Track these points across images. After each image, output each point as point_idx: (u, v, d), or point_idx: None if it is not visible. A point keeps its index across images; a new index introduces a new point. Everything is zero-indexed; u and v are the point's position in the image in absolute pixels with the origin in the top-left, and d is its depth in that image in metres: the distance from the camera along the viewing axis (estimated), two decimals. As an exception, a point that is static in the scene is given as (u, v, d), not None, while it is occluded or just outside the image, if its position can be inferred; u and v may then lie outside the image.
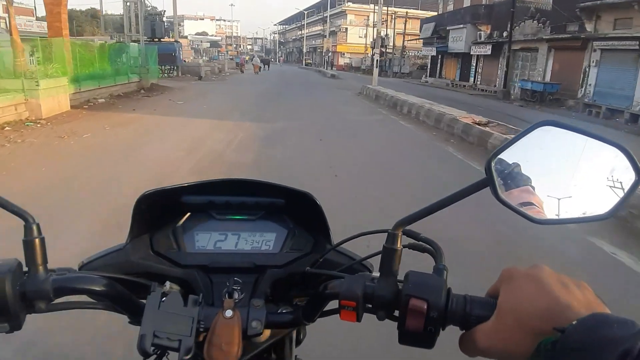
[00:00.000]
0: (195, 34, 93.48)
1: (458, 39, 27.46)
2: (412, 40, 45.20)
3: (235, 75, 30.11)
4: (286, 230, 0.63)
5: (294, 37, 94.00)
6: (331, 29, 69.08)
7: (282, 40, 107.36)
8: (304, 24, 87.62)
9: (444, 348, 0.51)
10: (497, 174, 0.46)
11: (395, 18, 45.41)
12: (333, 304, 0.50)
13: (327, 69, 62.51)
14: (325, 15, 64.79)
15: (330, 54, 70.48)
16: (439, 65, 32.57)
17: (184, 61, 27.67)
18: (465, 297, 0.46)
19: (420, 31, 37.08)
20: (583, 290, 0.39)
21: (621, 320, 0.34)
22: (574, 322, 0.35)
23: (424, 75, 34.59)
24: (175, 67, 22.78)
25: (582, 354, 0.33)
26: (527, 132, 0.45)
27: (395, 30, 46.28)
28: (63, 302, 0.49)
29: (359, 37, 77.11)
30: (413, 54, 48.17)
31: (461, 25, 26.96)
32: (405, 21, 43.86)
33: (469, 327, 0.44)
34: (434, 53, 32.59)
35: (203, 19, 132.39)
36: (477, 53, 25.80)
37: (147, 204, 0.58)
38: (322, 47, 66.05)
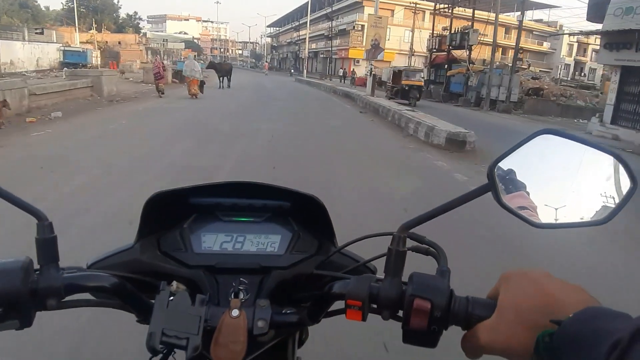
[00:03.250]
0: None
1: None
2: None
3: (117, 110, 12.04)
4: (291, 232, 0.66)
5: (289, 40, 74.69)
6: (340, 27, 47.95)
7: (274, 44, 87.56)
8: (302, 23, 65.46)
9: (447, 348, 0.54)
10: (498, 179, 0.49)
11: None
12: (338, 305, 0.54)
13: (343, 83, 40.71)
14: (332, 9, 44.90)
15: (334, 61, 48.84)
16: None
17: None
18: (468, 298, 0.49)
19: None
20: (578, 290, 0.42)
21: (615, 313, 0.37)
22: (570, 315, 0.38)
23: (596, 117, 14.91)
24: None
25: (578, 345, 0.36)
26: (527, 141, 0.48)
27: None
28: (73, 299, 0.52)
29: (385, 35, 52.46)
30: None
31: None
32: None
33: (470, 327, 0.47)
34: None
35: (188, 20, 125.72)
36: None
37: (155, 204, 0.61)
38: (329, 50, 46.08)
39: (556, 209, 0.49)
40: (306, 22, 66.31)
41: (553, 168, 0.49)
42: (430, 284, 0.48)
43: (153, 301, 0.52)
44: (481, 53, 27.86)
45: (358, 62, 48.79)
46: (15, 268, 0.48)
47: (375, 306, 0.50)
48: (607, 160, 0.48)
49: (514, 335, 0.42)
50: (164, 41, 58.43)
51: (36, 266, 0.50)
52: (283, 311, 0.57)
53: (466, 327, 0.48)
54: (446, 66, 27.45)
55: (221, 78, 20.97)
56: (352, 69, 45.62)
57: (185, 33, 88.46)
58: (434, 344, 0.48)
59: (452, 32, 27.27)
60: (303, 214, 0.66)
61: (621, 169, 0.47)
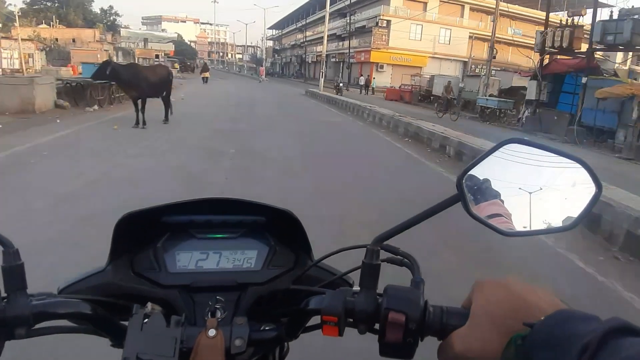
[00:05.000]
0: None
1: None
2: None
3: None
4: (267, 247, 0.67)
5: (293, 43, 63.94)
6: (358, 25, 36.19)
7: (277, 47, 76.93)
8: (308, 23, 53.30)
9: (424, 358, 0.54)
10: (467, 190, 0.51)
11: None
12: (316, 320, 0.55)
13: (366, 94, 28.98)
14: (350, 1, 33.62)
15: (350, 65, 36.63)
16: None
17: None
18: (442, 308, 0.50)
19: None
20: (548, 294, 0.44)
21: (585, 315, 0.38)
22: (541, 318, 0.39)
23: None
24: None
25: (550, 347, 0.37)
26: (494, 150, 0.50)
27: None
28: (43, 327, 0.53)
29: (413, 35, 40.77)
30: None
31: None
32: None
33: (446, 336, 0.48)
34: None
35: (185, 22, 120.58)
36: None
37: (127, 225, 0.62)
38: (343, 53, 34.97)
39: (526, 216, 0.51)
40: (312, 21, 55.79)
41: (522, 176, 0.51)
42: (405, 297, 0.50)
43: (127, 324, 0.52)
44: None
45: (382, 67, 37.91)
46: None
47: (351, 320, 0.52)
48: (573, 167, 0.49)
49: (488, 341, 0.43)
50: (142, 41, 47.90)
51: (4, 294, 0.50)
52: (261, 328, 0.58)
53: (441, 337, 0.49)
54: (583, 79, 14.80)
55: (138, 103, 9.65)
56: (372, 77, 34.63)
57: (179, 36, 78.09)
58: (411, 356, 0.50)
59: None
60: (278, 228, 0.67)
61: (586, 174, 0.49)
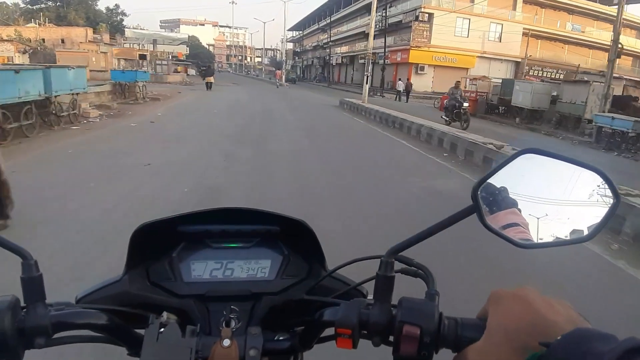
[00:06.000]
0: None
1: None
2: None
3: None
4: (281, 256, 0.68)
5: (315, 44, 57.96)
6: (392, 21, 29.63)
7: (297, 49, 71.80)
8: (333, 21, 47.16)
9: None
10: (482, 200, 0.51)
11: None
12: (330, 330, 0.56)
13: (399, 100, 21.66)
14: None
15: (383, 65, 30.01)
16: None
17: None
18: (457, 320, 0.51)
19: None
20: (566, 308, 0.44)
21: (603, 335, 0.38)
22: (558, 337, 0.39)
23: None
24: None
25: None
26: (510, 160, 0.50)
27: None
28: (62, 336, 0.54)
29: (459, 31, 32.71)
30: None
31: None
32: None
33: (460, 349, 0.49)
34: None
35: (204, 25, 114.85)
36: None
37: (143, 235, 0.64)
38: (376, 53, 28.83)
39: (542, 227, 0.51)
40: (337, 19, 49.99)
41: (538, 187, 0.51)
42: (419, 309, 0.50)
43: (143, 333, 0.54)
44: None
45: (422, 69, 31.75)
46: (1, 308, 0.49)
47: (365, 332, 0.53)
48: (591, 177, 0.49)
49: (503, 357, 0.42)
50: (149, 42, 43.10)
51: (23, 304, 0.52)
52: (275, 337, 0.59)
53: (456, 349, 0.49)
54: None
55: None
56: (410, 78, 28.67)
57: (196, 38, 73.67)
58: None
59: None
60: (292, 237, 0.68)
61: (604, 185, 0.48)
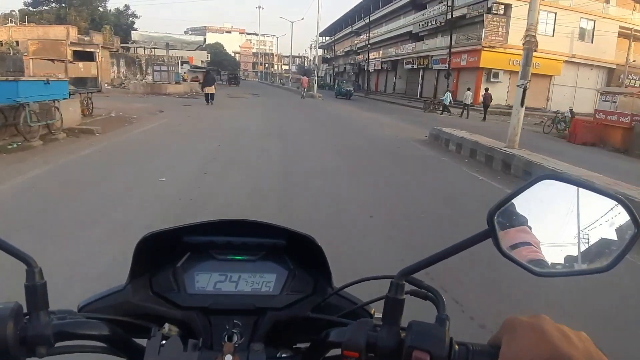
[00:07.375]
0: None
1: None
2: None
3: None
4: (287, 271, 0.68)
5: (347, 49, 50.74)
6: (456, 15, 20.97)
7: (328, 56, 64.87)
8: (369, 23, 38.94)
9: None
10: (499, 226, 0.50)
11: None
12: (335, 351, 0.56)
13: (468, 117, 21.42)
14: None
15: (448, 72, 21.51)
16: None
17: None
18: (467, 347, 0.50)
19: None
20: (583, 341, 0.43)
21: None
22: None
23: None
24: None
25: None
26: (528, 186, 0.50)
27: None
28: (63, 346, 0.55)
29: (542, 28, 20.75)
30: None
31: None
32: None
33: None
34: None
35: (230, 32, 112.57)
36: None
37: (148, 245, 0.64)
38: (424, 57, 21.34)
39: (560, 255, 0.50)
40: (374, 19, 43.09)
41: (556, 213, 0.50)
42: (429, 334, 0.49)
43: (145, 344, 0.55)
44: None
45: (496, 75, 24.07)
46: (3, 315, 0.49)
47: (372, 355, 0.52)
48: (611, 205, 0.48)
49: None
50: (158, 46, 37.27)
51: (25, 311, 0.53)
52: (278, 354, 0.59)
53: None
54: None
55: None
56: (486, 91, 21.21)
57: (220, 45, 68.34)
58: None
59: None
60: (298, 252, 0.67)
61: (625, 213, 0.47)
